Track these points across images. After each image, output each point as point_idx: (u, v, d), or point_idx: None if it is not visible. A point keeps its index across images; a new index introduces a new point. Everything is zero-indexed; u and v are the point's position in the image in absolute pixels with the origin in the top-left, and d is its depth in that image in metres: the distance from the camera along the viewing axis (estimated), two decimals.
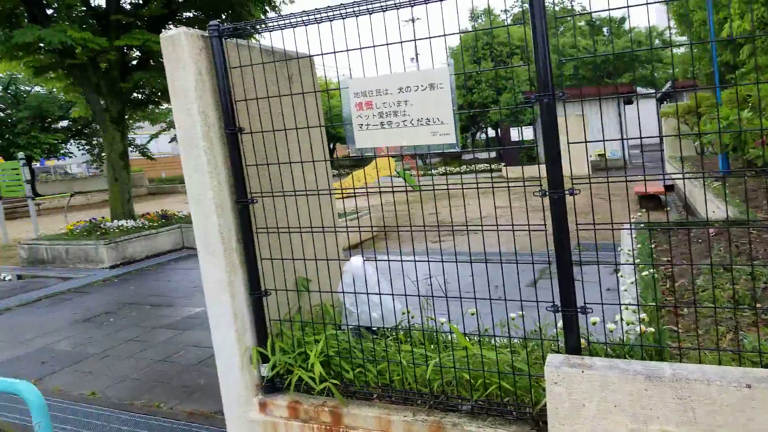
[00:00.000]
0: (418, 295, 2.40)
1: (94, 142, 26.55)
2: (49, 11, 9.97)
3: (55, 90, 23.28)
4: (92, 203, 25.94)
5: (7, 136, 23.36)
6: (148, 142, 28.00)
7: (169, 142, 31.55)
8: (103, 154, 27.30)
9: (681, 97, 22.55)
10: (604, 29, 33.10)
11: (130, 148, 27.94)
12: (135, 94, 11.42)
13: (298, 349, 2.81)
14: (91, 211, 20.05)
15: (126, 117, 11.08)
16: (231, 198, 2.90)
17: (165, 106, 13.63)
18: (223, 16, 10.56)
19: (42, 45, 9.32)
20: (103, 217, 11.39)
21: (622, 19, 33.14)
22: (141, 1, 10.61)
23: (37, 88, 23.48)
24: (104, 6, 10.17)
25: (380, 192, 2.49)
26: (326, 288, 3.01)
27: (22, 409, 4.13)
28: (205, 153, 2.79)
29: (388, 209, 11.72)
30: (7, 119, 23.75)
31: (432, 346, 2.56)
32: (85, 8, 10.07)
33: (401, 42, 2.08)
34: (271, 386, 2.97)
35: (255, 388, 2.99)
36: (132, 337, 5.80)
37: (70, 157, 26.58)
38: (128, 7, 10.53)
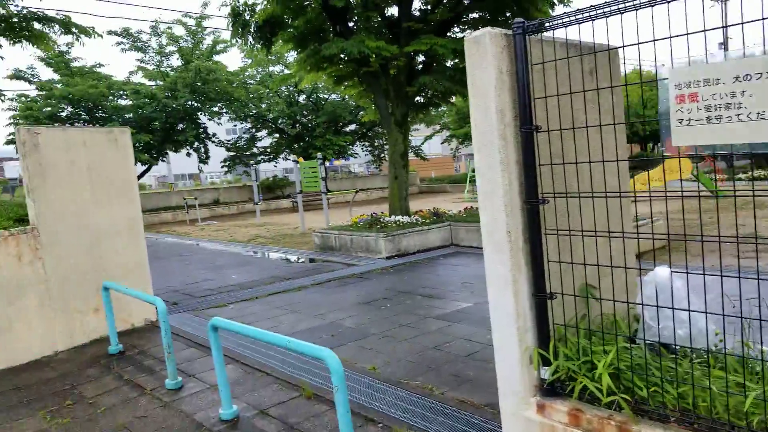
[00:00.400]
0: (740, 317, 2.08)
1: (376, 144, 29.53)
2: (350, 24, 11.39)
3: (347, 97, 26.57)
4: (371, 199, 28.88)
5: (307, 138, 27.46)
6: (422, 143, 30.09)
7: (441, 143, 33.43)
8: (383, 155, 30.35)
9: None
10: None
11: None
12: (417, 98, 12.33)
13: (584, 357, 2.68)
14: (370, 207, 22.30)
15: (408, 119, 12.03)
16: (521, 197, 2.89)
17: (443, 108, 14.53)
18: (508, 14, 10.73)
19: (343, 56, 10.72)
20: (382, 212, 12.57)
21: None
22: (429, 8, 11.41)
23: (333, 96, 27.07)
24: (396, 15, 11.20)
25: (691, 196, 2.22)
26: (614, 296, 2.82)
27: (315, 372, 4.77)
28: (499, 151, 2.84)
29: (679, 216, 10.56)
30: (308, 124, 27.92)
31: (751, 376, 2.20)
32: (380, 18, 11.19)
33: (742, 23, 1.81)
34: (550, 390, 2.89)
35: (533, 389, 2.95)
36: (406, 323, 6.26)
37: (356, 157, 30.10)
38: (417, 14, 11.45)
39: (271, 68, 26.18)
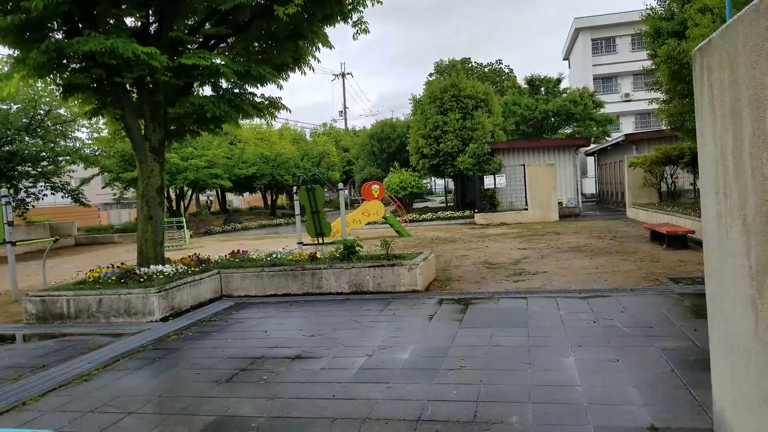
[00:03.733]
0: None
1: (19, 186, 23.45)
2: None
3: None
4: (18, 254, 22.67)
5: None
6: (80, 185, 25.35)
7: (103, 187, 28.78)
8: (29, 200, 24.24)
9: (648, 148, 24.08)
10: (542, 90, 35.29)
11: (60, 194, 25.17)
12: (174, 123, 10.09)
13: None
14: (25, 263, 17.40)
15: (165, 147, 9.71)
16: None
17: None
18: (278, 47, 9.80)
19: (90, 59, 8.07)
20: (122, 263, 9.82)
21: (558, 81, 35.51)
22: (196, 20, 9.55)
23: None
24: (157, 22, 9.06)
25: None
26: None
27: None
28: None
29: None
30: None
31: None
32: (142, 22, 8.77)
33: None
34: None
35: None
36: (316, 395, 4.77)
37: None
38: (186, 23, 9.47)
39: None
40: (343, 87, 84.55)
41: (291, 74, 11.64)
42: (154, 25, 9.86)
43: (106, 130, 25.71)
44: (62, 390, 5.42)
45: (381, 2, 10.40)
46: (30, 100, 21.28)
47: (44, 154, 22.84)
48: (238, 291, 9.83)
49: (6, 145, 21.11)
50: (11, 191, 22.54)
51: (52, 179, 24.26)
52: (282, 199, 48.63)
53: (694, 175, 18.34)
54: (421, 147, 26.79)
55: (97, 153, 24.85)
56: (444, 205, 38.01)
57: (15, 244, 10.94)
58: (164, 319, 8.19)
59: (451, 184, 43.71)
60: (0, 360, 6.68)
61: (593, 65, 47.95)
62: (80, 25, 8.59)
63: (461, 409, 4.24)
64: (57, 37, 8.87)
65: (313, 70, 11.36)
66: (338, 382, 5.07)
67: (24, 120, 21.80)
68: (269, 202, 41.43)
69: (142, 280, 8.72)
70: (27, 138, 21.74)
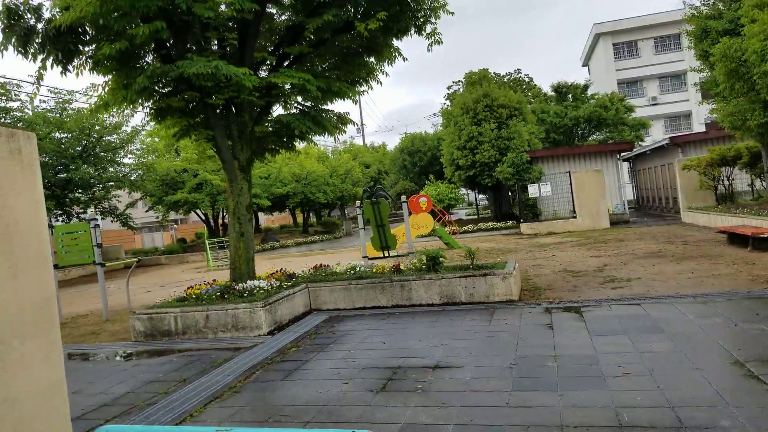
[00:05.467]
0: None
1: None
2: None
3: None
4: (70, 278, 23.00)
5: None
6: (126, 209, 25.63)
7: (146, 210, 29.06)
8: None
9: (695, 151, 23.85)
10: (569, 96, 35.18)
11: (109, 218, 25.49)
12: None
13: None
14: (80, 286, 17.57)
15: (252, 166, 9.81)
16: None
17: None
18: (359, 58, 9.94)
19: (184, 82, 8.21)
20: (214, 280, 9.86)
21: (585, 87, 35.42)
22: (276, 39, 9.66)
23: None
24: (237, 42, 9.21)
25: None
26: None
27: None
28: None
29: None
30: None
31: None
32: (231, 44, 8.89)
33: None
34: None
35: None
36: (487, 403, 4.72)
37: None
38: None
39: None
40: (359, 104, 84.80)
41: (360, 88, 11.73)
42: (228, 47, 10.02)
43: (148, 156, 26.22)
44: (219, 402, 5.46)
45: (453, 13, 10.51)
46: (83, 129, 21.68)
47: (93, 181, 23.21)
48: (326, 305, 9.82)
49: (61, 173, 21.48)
50: (64, 217, 22.87)
51: (102, 204, 24.63)
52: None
53: (752, 176, 18.11)
54: (456, 159, 26.74)
55: (143, 178, 25.20)
56: (476, 216, 37.88)
57: (104, 265, 11.04)
58: (270, 333, 8.22)
59: (474, 196, 43.59)
60: (136, 375, 6.76)
61: (616, 70, 47.85)
62: (172, 50, 8.74)
63: (661, 416, 4.15)
64: (148, 61, 9.05)
65: (381, 84, 11.44)
66: (503, 391, 5.01)
67: (77, 148, 22.22)
68: (300, 220, 41.57)
69: (244, 295, 8.75)
70: (83, 165, 22.10)
